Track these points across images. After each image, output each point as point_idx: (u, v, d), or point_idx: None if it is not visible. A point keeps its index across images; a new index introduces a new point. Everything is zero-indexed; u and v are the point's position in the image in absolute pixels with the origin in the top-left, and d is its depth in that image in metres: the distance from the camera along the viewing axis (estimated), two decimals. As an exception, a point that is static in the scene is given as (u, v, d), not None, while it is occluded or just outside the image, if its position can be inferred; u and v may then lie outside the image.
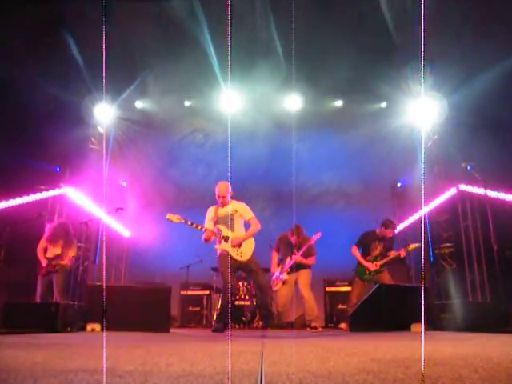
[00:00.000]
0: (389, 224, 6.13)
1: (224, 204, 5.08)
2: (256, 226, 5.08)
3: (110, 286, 5.65)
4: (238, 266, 5.03)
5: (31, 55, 6.49)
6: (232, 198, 5.12)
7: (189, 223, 4.91)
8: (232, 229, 4.99)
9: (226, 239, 4.93)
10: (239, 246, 4.97)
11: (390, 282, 5.83)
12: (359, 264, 6.09)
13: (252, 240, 5.08)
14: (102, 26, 1.31)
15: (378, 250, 6.07)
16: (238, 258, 4.93)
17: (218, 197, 5.06)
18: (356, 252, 6.15)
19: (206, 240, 4.94)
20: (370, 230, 6.24)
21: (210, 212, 5.16)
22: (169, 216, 4.94)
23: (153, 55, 7.16)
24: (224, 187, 5.05)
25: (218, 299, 7.20)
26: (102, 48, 1.26)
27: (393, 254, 6.03)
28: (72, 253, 6.12)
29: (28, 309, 4.78)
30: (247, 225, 5.12)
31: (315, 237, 6.15)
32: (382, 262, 5.99)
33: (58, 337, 3.53)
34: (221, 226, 5.02)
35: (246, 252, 4.98)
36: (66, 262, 6.00)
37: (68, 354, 2.06)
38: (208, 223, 5.07)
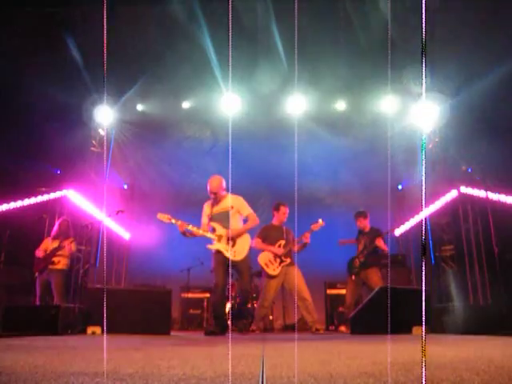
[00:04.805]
0: (357, 215, 6.31)
1: (218, 200, 4.83)
2: (254, 222, 4.84)
3: (111, 289, 5.65)
4: (231, 264, 4.74)
5: (33, 57, 6.51)
6: (227, 191, 4.85)
7: (178, 223, 4.66)
8: (227, 227, 4.69)
9: (220, 238, 4.70)
10: (233, 244, 4.69)
11: (379, 281, 5.77)
12: (349, 261, 6.24)
13: (248, 239, 4.83)
14: (102, 29, 1.31)
15: (362, 244, 6.20)
16: (232, 257, 4.67)
17: (210, 193, 4.81)
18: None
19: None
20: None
21: (206, 208, 4.92)
22: (159, 216, 4.75)
23: (154, 57, 7.16)
24: (216, 183, 4.80)
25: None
26: (103, 50, 1.27)
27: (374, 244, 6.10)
28: (68, 241, 5.99)
29: (28, 312, 4.78)
30: (245, 221, 4.86)
31: (315, 227, 5.66)
32: (364, 253, 6.08)
33: (59, 340, 3.53)
34: (215, 224, 4.76)
35: (240, 251, 4.73)
36: (65, 252, 5.92)
37: (69, 357, 2.05)
38: (204, 219, 4.87)
